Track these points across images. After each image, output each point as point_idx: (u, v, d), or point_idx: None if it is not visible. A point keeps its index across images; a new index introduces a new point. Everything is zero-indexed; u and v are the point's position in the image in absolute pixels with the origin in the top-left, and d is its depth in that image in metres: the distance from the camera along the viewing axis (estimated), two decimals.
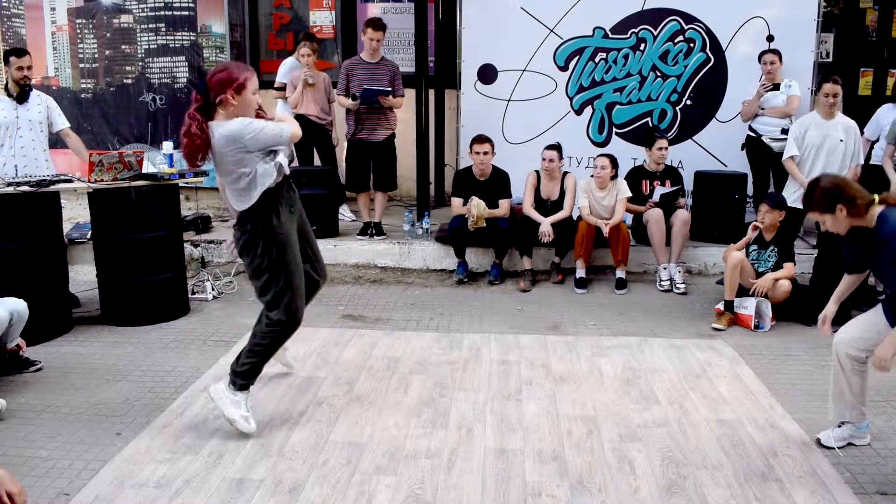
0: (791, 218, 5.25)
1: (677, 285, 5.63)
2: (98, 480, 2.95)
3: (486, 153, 5.77)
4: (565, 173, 5.97)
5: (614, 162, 5.77)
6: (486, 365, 4.16)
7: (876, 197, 2.93)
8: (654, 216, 5.71)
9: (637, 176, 6.01)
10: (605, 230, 5.59)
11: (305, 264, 3.46)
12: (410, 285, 5.90)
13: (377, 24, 6.08)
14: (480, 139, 5.82)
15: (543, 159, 5.83)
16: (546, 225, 5.72)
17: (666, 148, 5.92)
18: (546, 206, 5.90)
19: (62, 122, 5.34)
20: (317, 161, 6.99)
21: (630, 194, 5.78)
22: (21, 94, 5.08)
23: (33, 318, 4.00)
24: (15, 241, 4.38)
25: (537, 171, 5.94)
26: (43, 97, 5.31)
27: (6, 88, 5.12)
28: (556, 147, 5.85)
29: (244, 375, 3.32)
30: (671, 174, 6.02)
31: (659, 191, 5.83)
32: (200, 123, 3.09)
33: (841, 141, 5.18)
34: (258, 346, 3.32)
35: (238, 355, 3.38)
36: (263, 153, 3.17)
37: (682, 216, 5.71)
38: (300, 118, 6.71)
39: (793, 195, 5.31)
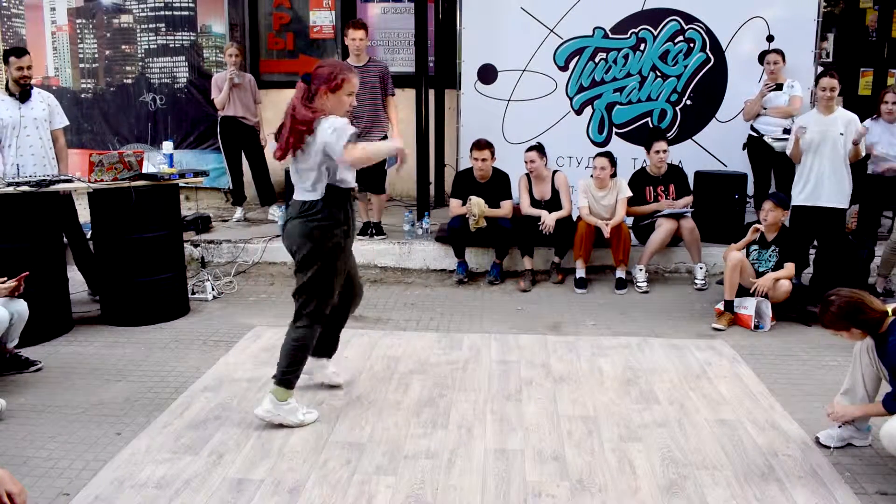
0: (800, 217, 5.25)
1: (696, 280, 5.71)
2: (98, 480, 2.94)
3: (484, 160, 5.77)
4: (554, 172, 5.96)
5: (613, 161, 5.76)
6: (486, 365, 4.16)
7: (889, 310, 3.00)
8: (666, 224, 5.69)
9: (640, 182, 5.94)
10: (606, 232, 5.58)
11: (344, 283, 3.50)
12: (410, 285, 5.90)
13: (356, 24, 6.06)
14: (479, 145, 5.79)
15: (525, 161, 5.83)
16: (550, 218, 5.72)
17: (664, 151, 5.85)
18: (540, 207, 5.89)
19: (60, 122, 5.25)
20: (245, 162, 7.09)
21: (630, 194, 5.77)
22: (23, 93, 5.02)
23: (33, 318, 4.00)
24: (15, 241, 4.39)
25: (527, 174, 5.94)
26: (44, 94, 5.26)
27: (7, 88, 5.06)
28: (536, 147, 5.84)
29: (285, 383, 3.37)
30: (675, 176, 5.96)
31: (667, 211, 5.77)
32: (308, 113, 3.13)
33: (841, 135, 5.17)
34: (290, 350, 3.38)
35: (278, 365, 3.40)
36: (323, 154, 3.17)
37: (687, 225, 5.70)
38: (228, 119, 6.84)
39: (800, 194, 5.31)
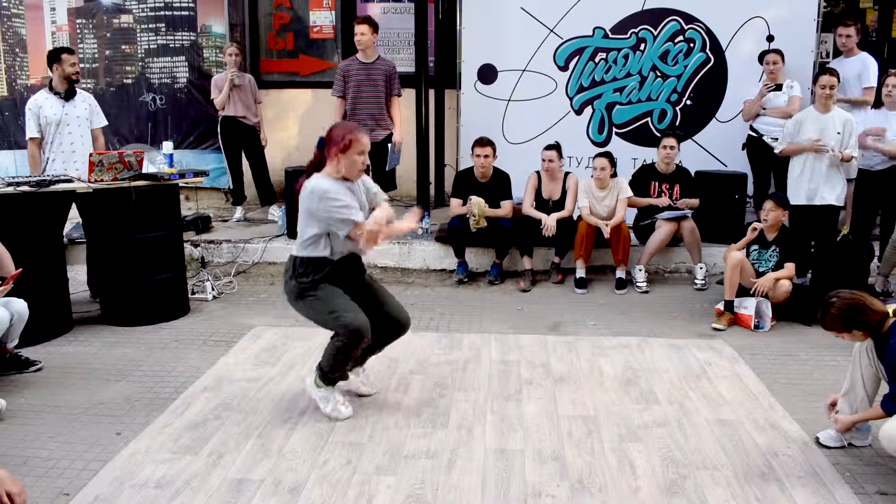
0: (796, 216, 5.25)
1: (696, 280, 5.71)
2: (98, 480, 2.94)
3: (486, 156, 5.76)
4: (567, 173, 5.97)
5: (612, 161, 5.76)
6: (486, 365, 4.16)
7: (890, 311, 3.00)
8: (666, 226, 5.70)
9: (646, 176, 5.94)
10: (606, 232, 5.58)
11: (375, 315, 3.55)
12: (410, 285, 5.90)
13: (359, 20, 6.09)
14: (482, 142, 5.80)
15: (543, 160, 5.83)
16: (551, 219, 5.72)
17: (671, 147, 5.81)
18: (548, 207, 5.90)
19: (99, 121, 5.37)
20: (245, 162, 7.08)
21: (631, 194, 5.77)
22: (69, 91, 5.14)
23: (33, 318, 4.00)
24: (15, 241, 4.38)
25: (538, 173, 5.94)
26: (85, 94, 5.36)
27: (51, 87, 5.15)
28: (556, 147, 5.85)
29: (324, 376, 3.52)
30: (682, 177, 5.93)
31: (667, 214, 5.76)
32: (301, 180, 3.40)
33: (838, 133, 5.18)
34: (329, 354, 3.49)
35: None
36: (322, 227, 3.35)
37: (688, 226, 5.70)
38: (229, 119, 6.84)
39: (796, 193, 5.31)
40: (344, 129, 3.37)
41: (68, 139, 5.15)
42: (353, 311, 3.39)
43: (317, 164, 3.43)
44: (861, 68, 6.05)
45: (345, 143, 3.31)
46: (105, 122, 5.45)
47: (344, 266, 3.48)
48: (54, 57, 5.14)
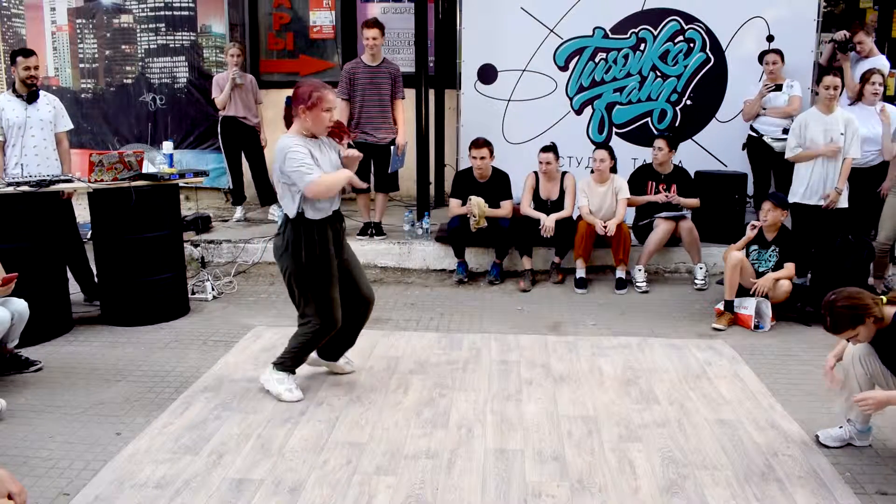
0: (799, 215, 5.25)
1: (696, 280, 5.71)
2: (98, 480, 2.95)
3: (482, 158, 5.76)
4: (564, 173, 5.97)
5: (612, 153, 5.75)
6: (486, 365, 4.16)
7: (884, 298, 3.00)
8: (664, 225, 5.70)
9: (643, 175, 5.94)
10: (606, 232, 5.57)
11: (347, 292, 3.70)
12: (410, 285, 5.90)
13: (369, 23, 6.06)
14: (477, 144, 5.79)
15: (540, 162, 5.82)
16: (549, 220, 5.72)
17: (660, 149, 5.80)
18: (546, 207, 5.90)
19: (64, 125, 5.30)
20: (245, 163, 7.10)
21: (629, 194, 5.77)
22: (30, 94, 5.07)
23: (33, 318, 4.00)
24: (15, 241, 4.39)
25: (536, 173, 5.94)
26: (50, 97, 5.30)
27: (14, 89, 5.10)
28: (551, 148, 5.84)
29: (283, 365, 3.70)
30: (679, 177, 5.92)
31: (665, 214, 5.75)
32: None
33: (841, 135, 5.19)
34: (295, 343, 3.69)
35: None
36: (289, 182, 3.42)
37: (685, 226, 5.70)
38: (229, 119, 6.83)
39: (797, 191, 5.31)
40: (310, 87, 3.42)
41: (31, 142, 5.07)
42: (337, 306, 3.56)
43: (287, 119, 3.51)
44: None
45: (312, 100, 3.37)
46: (70, 126, 5.37)
47: (330, 227, 3.54)
48: (11, 60, 5.08)
